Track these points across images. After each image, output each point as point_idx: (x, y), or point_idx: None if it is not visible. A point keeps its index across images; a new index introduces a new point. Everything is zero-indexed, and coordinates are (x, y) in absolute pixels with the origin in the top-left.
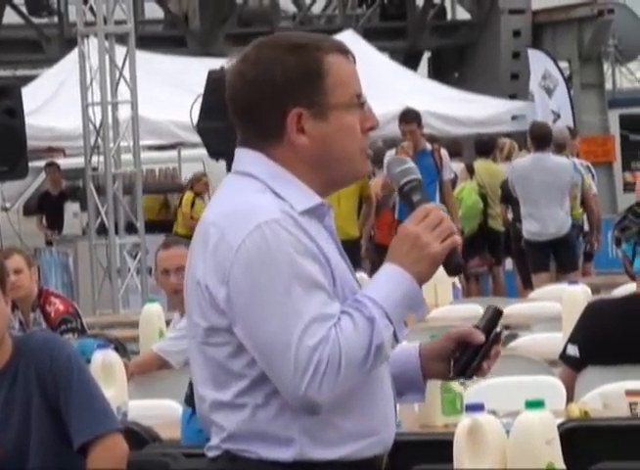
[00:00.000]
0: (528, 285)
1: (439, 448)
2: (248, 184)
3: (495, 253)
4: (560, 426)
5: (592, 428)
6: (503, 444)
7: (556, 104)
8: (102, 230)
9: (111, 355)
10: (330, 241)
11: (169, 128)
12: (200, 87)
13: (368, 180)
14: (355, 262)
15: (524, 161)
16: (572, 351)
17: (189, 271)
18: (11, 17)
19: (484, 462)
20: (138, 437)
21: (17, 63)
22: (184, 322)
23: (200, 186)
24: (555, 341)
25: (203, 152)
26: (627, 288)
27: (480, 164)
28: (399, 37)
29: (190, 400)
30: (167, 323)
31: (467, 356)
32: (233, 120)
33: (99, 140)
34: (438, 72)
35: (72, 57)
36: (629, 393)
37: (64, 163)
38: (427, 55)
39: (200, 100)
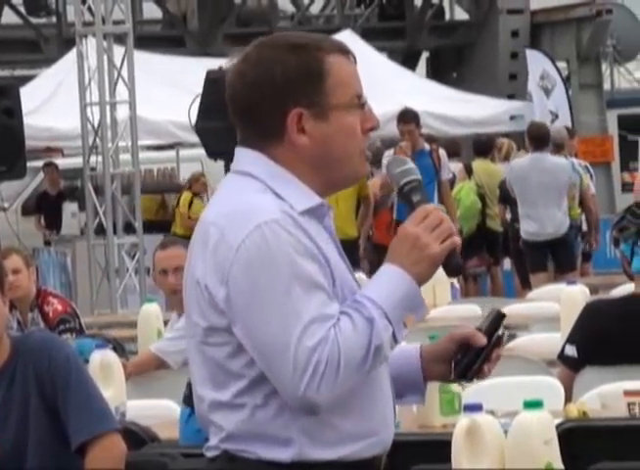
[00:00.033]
0: (527, 285)
1: (438, 449)
2: (248, 184)
3: (493, 253)
4: (558, 426)
5: (590, 428)
6: (501, 444)
7: (554, 104)
8: (100, 230)
9: (109, 355)
10: (329, 241)
11: (168, 128)
12: (198, 87)
13: (366, 180)
14: (354, 263)
15: (522, 161)
16: (571, 351)
17: (188, 271)
18: (9, 17)
19: (483, 462)
20: (136, 437)
21: (15, 63)
22: (182, 322)
23: (198, 186)
24: (553, 341)
25: (201, 152)
26: (626, 288)
27: (479, 165)
28: (398, 37)
29: (188, 400)
30: (166, 323)
31: (468, 359)
32: (233, 120)
33: (97, 140)
34: (437, 73)
35: (71, 57)
36: (628, 393)
37: (62, 163)
38: (425, 55)
39: (198, 100)
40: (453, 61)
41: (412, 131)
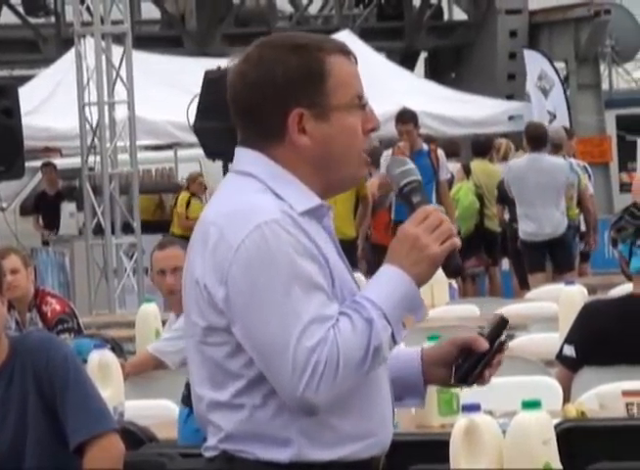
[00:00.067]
0: (525, 285)
1: (436, 449)
2: (248, 184)
3: (492, 253)
4: (556, 426)
5: (589, 428)
6: (500, 444)
7: (552, 104)
8: (98, 230)
9: (107, 356)
10: (328, 242)
11: (166, 128)
12: (196, 87)
13: (365, 181)
14: (352, 263)
15: (519, 161)
16: (569, 351)
17: (187, 270)
18: (8, 17)
19: (481, 462)
20: (134, 437)
21: (13, 63)
22: (179, 323)
23: (195, 186)
24: (551, 341)
25: (199, 152)
26: (624, 288)
27: (477, 165)
28: (396, 37)
29: (187, 400)
30: (164, 323)
31: (469, 364)
32: (234, 120)
33: (95, 140)
34: (435, 73)
35: (69, 57)
36: (626, 393)
37: (60, 163)
38: (423, 55)
39: (196, 100)
40: (451, 61)
41: (410, 131)
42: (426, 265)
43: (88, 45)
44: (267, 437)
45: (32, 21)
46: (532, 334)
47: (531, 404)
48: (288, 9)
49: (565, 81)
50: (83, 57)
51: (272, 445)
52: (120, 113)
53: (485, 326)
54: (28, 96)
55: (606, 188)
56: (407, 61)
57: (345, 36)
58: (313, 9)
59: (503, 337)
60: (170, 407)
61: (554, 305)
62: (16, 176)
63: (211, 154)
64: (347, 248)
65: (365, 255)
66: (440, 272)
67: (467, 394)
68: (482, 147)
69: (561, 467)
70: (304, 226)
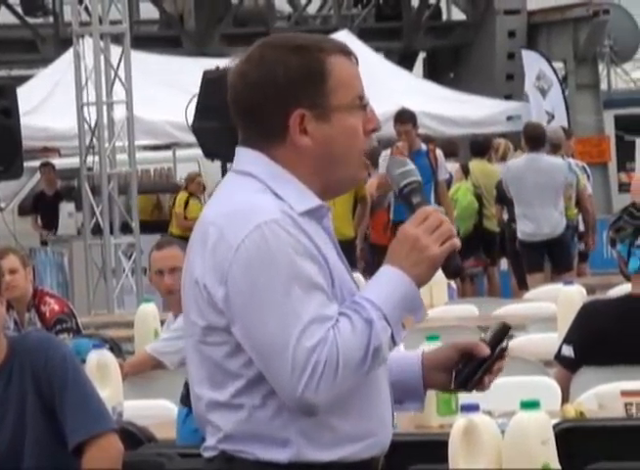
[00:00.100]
0: (524, 285)
1: (435, 449)
2: (248, 184)
3: (490, 253)
4: (555, 426)
5: (587, 428)
6: (498, 444)
7: (550, 104)
8: (97, 230)
9: (106, 356)
10: (328, 242)
11: (165, 128)
12: (195, 87)
13: (364, 181)
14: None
15: (518, 161)
16: (567, 351)
17: (187, 270)
18: (6, 17)
19: (480, 462)
20: (133, 437)
21: (12, 63)
22: (178, 323)
23: (194, 186)
24: (550, 341)
25: (198, 152)
26: (622, 288)
27: (476, 165)
28: (395, 38)
29: (186, 400)
30: (162, 323)
31: (469, 369)
32: (235, 120)
33: (94, 140)
34: (434, 73)
35: (68, 57)
36: (625, 393)
37: (59, 163)
38: (422, 55)
39: (195, 100)
40: (450, 61)
41: (409, 131)
42: (426, 266)
43: (86, 45)
44: (266, 437)
45: (31, 21)
46: (531, 334)
47: (530, 405)
48: (286, 9)
49: (563, 81)
50: (82, 57)
51: (271, 445)
52: (119, 113)
53: (487, 332)
54: (27, 96)
55: (604, 188)
56: (406, 61)
57: (344, 36)
58: (312, 9)
59: (504, 343)
60: (169, 407)
61: (552, 305)
62: (14, 176)
63: (210, 154)
64: (346, 248)
65: (364, 255)
66: (439, 272)
67: (466, 394)
68: (481, 147)
69: (559, 467)
70: (304, 226)
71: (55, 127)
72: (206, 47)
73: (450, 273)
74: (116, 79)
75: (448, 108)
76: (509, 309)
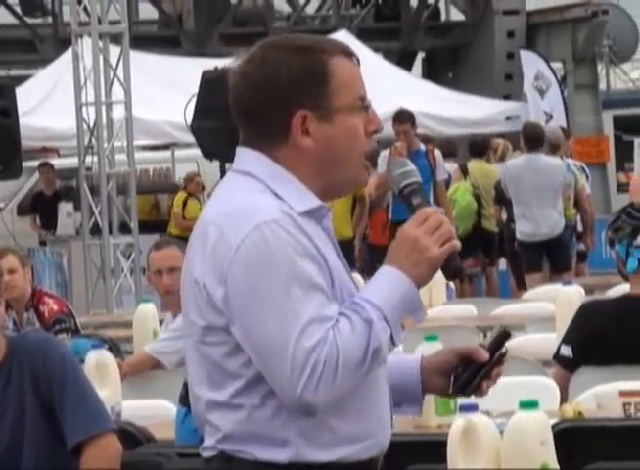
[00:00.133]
0: (522, 285)
1: (433, 449)
2: (248, 184)
3: (489, 253)
4: (554, 426)
5: (586, 428)
6: (497, 444)
7: (548, 105)
8: (95, 230)
9: (104, 356)
10: (328, 242)
11: (163, 128)
12: (194, 87)
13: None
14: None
15: (516, 161)
16: (566, 351)
17: (186, 270)
18: (5, 17)
19: (478, 462)
20: (132, 437)
21: (11, 63)
22: (177, 323)
23: (192, 186)
24: (549, 341)
25: (196, 152)
26: (621, 288)
27: (474, 165)
28: (393, 38)
29: (184, 400)
30: (161, 323)
31: (468, 374)
32: (236, 120)
33: (93, 140)
34: (432, 73)
35: (66, 57)
36: (623, 393)
37: (57, 163)
38: (421, 55)
39: (194, 100)
40: (449, 61)
41: (408, 132)
42: (425, 267)
43: (85, 45)
44: (266, 437)
45: (30, 21)
46: (530, 334)
47: (529, 405)
48: (285, 9)
49: (562, 81)
50: (81, 57)
51: (270, 445)
52: (118, 113)
53: (487, 337)
54: (26, 96)
55: (603, 188)
56: (404, 61)
57: (343, 36)
58: (311, 9)
59: (504, 349)
60: (168, 407)
61: (551, 305)
62: (13, 176)
63: (209, 154)
64: (345, 248)
65: (362, 255)
66: (439, 273)
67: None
68: (480, 147)
69: (558, 467)
70: (304, 227)
71: (54, 127)
72: (205, 47)
73: (450, 274)
74: (115, 79)
75: (447, 108)
76: (507, 309)
